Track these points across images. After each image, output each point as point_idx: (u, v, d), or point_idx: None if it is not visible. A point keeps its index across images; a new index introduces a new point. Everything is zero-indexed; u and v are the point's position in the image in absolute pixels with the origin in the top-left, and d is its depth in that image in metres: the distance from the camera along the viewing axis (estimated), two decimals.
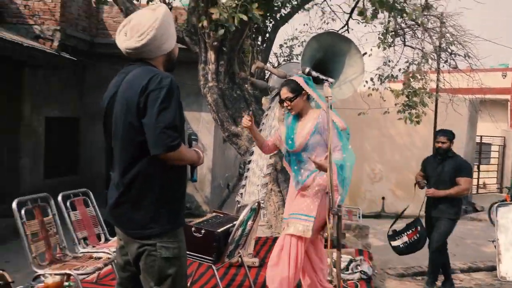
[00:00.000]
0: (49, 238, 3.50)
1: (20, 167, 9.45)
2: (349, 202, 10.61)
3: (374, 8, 5.54)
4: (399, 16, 6.13)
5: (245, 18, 5.07)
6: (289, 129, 3.45)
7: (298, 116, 3.46)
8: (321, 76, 2.91)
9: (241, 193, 5.42)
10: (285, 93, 3.40)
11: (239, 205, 5.33)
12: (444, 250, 5.36)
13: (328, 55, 4.71)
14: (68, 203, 3.92)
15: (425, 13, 6.63)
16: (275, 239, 5.97)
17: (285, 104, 3.42)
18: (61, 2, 9.51)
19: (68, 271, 3.24)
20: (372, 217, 10.32)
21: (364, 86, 8.93)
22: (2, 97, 9.21)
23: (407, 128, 10.35)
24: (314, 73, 2.95)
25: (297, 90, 3.38)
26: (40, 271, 3.25)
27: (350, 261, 4.65)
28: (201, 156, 2.35)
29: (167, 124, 2.07)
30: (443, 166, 5.22)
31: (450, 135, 5.27)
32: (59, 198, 3.87)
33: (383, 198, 11.20)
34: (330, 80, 2.86)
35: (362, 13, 5.60)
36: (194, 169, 2.43)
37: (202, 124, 11.03)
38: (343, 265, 4.62)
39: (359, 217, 8.23)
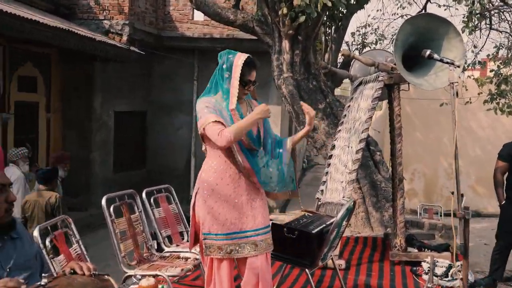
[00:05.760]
0: (136, 236, 3.35)
1: (90, 161, 9.61)
2: (424, 199, 9.97)
3: None
4: None
5: (329, 3, 4.74)
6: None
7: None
8: (446, 59, 2.53)
9: (322, 190, 5.11)
10: (255, 76, 2.82)
11: (319, 203, 5.03)
12: None
13: (422, 39, 4.28)
14: (152, 200, 3.78)
15: None
16: (356, 239, 5.63)
17: (250, 89, 2.81)
18: None
19: (158, 272, 3.08)
20: (449, 215, 9.62)
21: None
22: (74, 92, 9.40)
23: (490, 120, 9.55)
24: (436, 56, 2.57)
25: None
26: (130, 272, 3.11)
27: (450, 267, 4.21)
28: None
29: None
30: None
31: None
32: (143, 194, 3.72)
33: (461, 195, 10.44)
34: (457, 63, 2.47)
35: None
36: None
37: None
38: (441, 271, 4.20)
39: (441, 215, 7.68)
